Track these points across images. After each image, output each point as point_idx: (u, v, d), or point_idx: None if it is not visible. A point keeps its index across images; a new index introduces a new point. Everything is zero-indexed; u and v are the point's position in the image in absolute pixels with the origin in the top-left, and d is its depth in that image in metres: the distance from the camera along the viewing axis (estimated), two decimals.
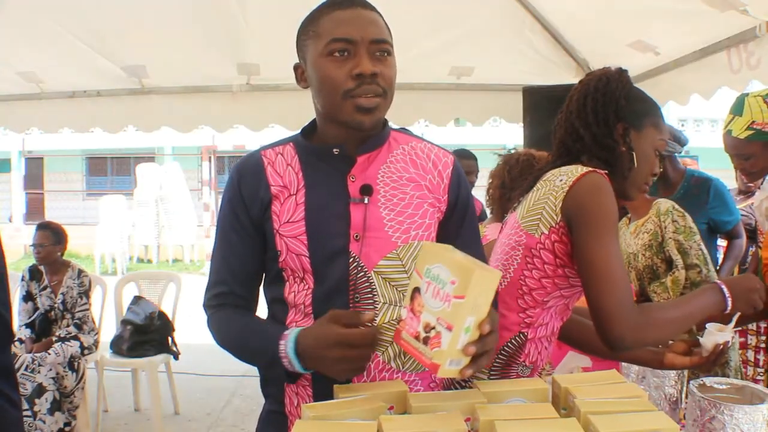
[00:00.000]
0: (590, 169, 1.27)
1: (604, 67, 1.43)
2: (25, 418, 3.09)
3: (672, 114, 13.59)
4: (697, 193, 2.79)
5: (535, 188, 1.36)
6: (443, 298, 0.89)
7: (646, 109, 1.38)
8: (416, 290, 0.94)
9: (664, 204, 2.39)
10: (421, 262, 0.95)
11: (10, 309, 0.91)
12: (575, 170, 1.28)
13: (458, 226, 1.24)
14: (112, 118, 3.98)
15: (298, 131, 1.25)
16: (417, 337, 0.93)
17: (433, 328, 0.90)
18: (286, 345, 1.05)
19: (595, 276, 1.19)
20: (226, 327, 1.18)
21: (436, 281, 0.91)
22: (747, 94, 1.88)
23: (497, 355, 1.32)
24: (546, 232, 1.27)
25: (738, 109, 1.86)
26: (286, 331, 1.07)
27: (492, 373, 1.33)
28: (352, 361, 1.01)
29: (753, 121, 1.81)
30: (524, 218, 1.33)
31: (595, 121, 1.35)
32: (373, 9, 1.15)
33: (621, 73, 1.40)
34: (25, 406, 3.13)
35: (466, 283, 0.87)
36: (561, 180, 1.29)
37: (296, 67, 1.21)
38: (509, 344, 1.33)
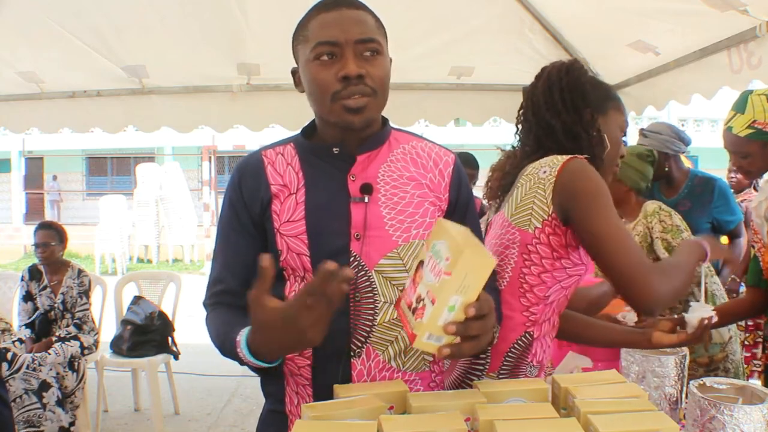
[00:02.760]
0: (570, 156, 1.29)
1: (556, 62, 1.49)
2: (35, 410, 3.14)
3: (672, 114, 13.61)
4: (700, 193, 2.79)
5: (518, 184, 1.36)
6: (437, 272, 0.91)
7: (607, 94, 1.45)
8: (420, 263, 0.97)
9: (651, 205, 2.43)
10: (432, 236, 0.98)
11: None
12: (555, 160, 1.30)
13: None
14: (112, 118, 3.97)
15: (299, 131, 1.26)
16: (410, 307, 0.95)
17: (422, 300, 0.92)
18: (243, 352, 1.00)
19: (608, 248, 1.21)
20: (212, 326, 1.17)
21: (436, 256, 0.93)
22: (751, 92, 1.86)
23: (505, 357, 1.32)
24: (539, 225, 1.28)
25: (740, 106, 1.84)
26: (237, 337, 1.02)
27: (501, 374, 1.33)
28: (314, 324, 0.90)
29: (754, 120, 1.80)
30: (514, 215, 1.33)
31: (564, 108, 1.38)
32: (360, 7, 1.14)
33: (577, 62, 1.47)
34: (34, 399, 3.15)
35: (455, 261, 0.88)
36: (544, 172, 1.30)
37: (294, 72, 1.22)
38: (516, 345, 1.33)
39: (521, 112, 1.49)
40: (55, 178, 18.62)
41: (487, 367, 1.33)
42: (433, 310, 0.89)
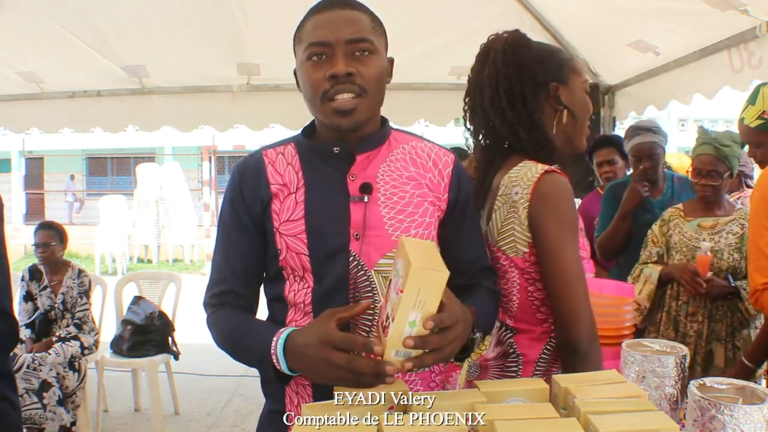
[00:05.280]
0: (543, 170, 1.25)
1: (496, 36, 1.35)
2: (35, 411, 3.12)
3: (673, 114, 13.60)
4: (682, 192, 2.75)
5: (495, 207, 1.33)
6: (397, 291, 0.93)
7: (560, 60, 1.36)
8: (390, 282, 0.99)
9: None
10: (396, 255, 1.00)
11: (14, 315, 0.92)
12: (527, 176, 1.26)
13: (459, 225, 1.24)
14: (113, 118, 3.98)
15: (299, 131, 1.26)
16: (382, 325, 0.97)
17: (389, 318, 0.94)
18: (278, 341, 1.03)
19: (558, 281, 1.23)
20: (222, 325, 1.18)
21: (396, 275, 0.95)
22: (764, 84, 1.89)
23: (536, 365, 1.32)
24: (526, 250, 1.27)
25: (753, 98, 1.88)
26: (282, 329, 1.05)
27: None
28: (338, 367, 0.94)
29: (764, 111, 1.83)
30: (498, 241, 1.31)
31: (516, 118, 1.31)
32: (355, 7, 1.14)
33: (517, 34, 1.35)
34: (35, 399, 3.14)
35: (406, 279, 0.90)
36: (516, 193, 1.27)
37: (295, 72, 1.22)
38: (545, 351, 1.32)
39: (467, 101, 1.38)
40: (72, 177, 18.56)
41: (519, 376, 1.32)
42: (393, 327, 0.91)
